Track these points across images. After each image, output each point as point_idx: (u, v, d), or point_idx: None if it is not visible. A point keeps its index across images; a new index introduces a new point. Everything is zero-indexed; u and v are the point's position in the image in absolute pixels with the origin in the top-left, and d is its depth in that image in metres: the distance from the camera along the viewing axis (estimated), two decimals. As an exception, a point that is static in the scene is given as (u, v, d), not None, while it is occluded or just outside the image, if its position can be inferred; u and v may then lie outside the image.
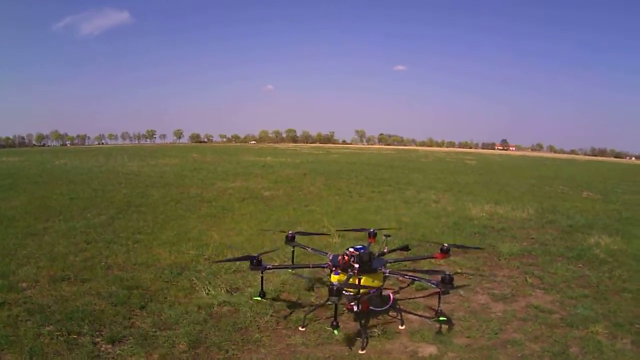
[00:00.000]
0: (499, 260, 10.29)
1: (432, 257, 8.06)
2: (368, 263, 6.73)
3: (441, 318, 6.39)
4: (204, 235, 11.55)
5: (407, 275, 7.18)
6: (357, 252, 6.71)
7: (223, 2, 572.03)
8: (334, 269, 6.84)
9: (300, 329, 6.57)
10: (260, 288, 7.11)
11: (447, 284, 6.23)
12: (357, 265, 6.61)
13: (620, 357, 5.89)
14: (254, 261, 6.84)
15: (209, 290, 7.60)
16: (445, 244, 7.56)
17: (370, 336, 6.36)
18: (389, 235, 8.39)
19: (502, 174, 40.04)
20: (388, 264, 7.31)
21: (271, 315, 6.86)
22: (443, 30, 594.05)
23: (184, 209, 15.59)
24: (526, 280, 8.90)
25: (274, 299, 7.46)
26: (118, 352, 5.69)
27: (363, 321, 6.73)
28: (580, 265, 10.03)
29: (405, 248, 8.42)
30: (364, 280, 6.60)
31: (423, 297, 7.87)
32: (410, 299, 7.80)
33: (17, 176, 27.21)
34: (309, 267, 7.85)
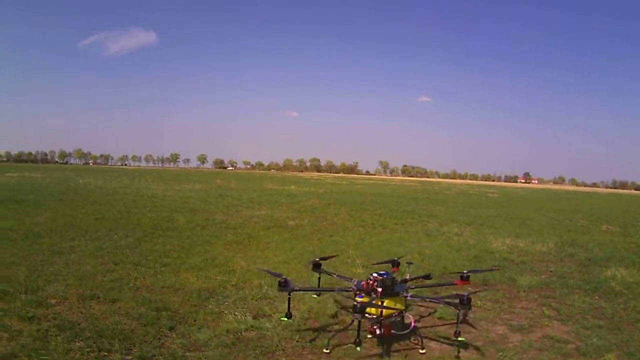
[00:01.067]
0: (518, 292, 10.44)
1: (452, 284, 8.27)
2: (391, 287, 7.03)
3: (459, 338, 6.71)
4: (230, 262, 11.77)
5: (427, 299, 7.47)
6: (381, 277, 7.01)
7: (244, 30, 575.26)
8: (358, 292, 7.12)
9: (324, 351, 6.81)
10: (287, 309, 7.29)
11: (464, 305, 6.51)
12: (380, 289, 6.89)
13: None
14: (282, 282, 7.07)
15: (236, 315, 7.80)
16: (465, 271, 7.78)
17: (393, 361, 6.58)
18: (411, 263, 8.74)
19: (523, 208, 39.94)
20: (409, 290, 7.55)
21: (297, 341, 7.06)
22: (466, 62, 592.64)
23: (209, 235, 15.85)
24: (543, 312, 9.06)
25: (299, 325, 7.65)
26: (148, 370, 5.85)
27: (385, 346, 6.94)
28: (597, 297, 10.21)
29: (427, 277, 8.62)
30: (386, 304, 6.81)
31: (442, 325, 8.08)
32: (430, 327, 8.01)
33: (40, 193, 27.87)
34: (334, 291, 8.06)
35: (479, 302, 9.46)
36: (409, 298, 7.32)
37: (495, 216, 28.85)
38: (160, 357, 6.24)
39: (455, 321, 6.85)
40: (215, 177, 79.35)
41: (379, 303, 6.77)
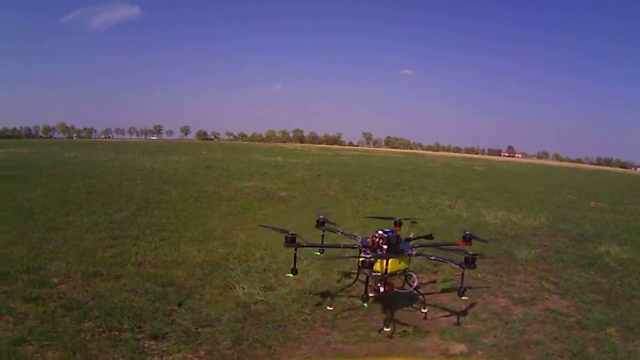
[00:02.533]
0: (516, 265, 10.63)
1: (455, 245, 8.31)
2: (395, 245, 7.05)
3: (463, 297, 6.90)
4: (229, 234, 11.79)
5: (432, 257, 7.50)
6: (386, 235, 7.06)
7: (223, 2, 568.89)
8: (363, 249, 7.15)
9: (328, 308, 7.12)
10: (293, 265, 7.39)
11: (470, 263, 6.65)
12: (385, 247, 6.95)
13: (633, 357, 6.32)
14: (289, 238, 7.08)
15: (244, 289, 7.84)
16: (467, 232, 7.73)
17: (404, 334, 6.72)
18: (415, 222, 8.75)
19: (510, 181, 40.24)
20: (414, 249, 7.59)
21: (308, 314, 7.13)
22: (450, 35, 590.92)
23: (204, 208, 15.84)
24: (542, 285, 9.26)
25: (306, 298, 7.72)
26: (163, 348, 5.88)
27: (388, 304, 7.11)
28: (592, 272, 10.42)
29: (429, 237, 8.52)
30: (391, 261, 6.86)
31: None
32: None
33: (29, 168, 27.42)
34: (340, 247, 7.99)
35: (479, 275, 9.63)
36: (413, 256, 7.37)
37: (484, 189, 29.20)
38: (173, 334, 6.23)
39: (461, 280, 6.96)
40: (200, 148, 79.03)
41: (384, 262, 6.82)
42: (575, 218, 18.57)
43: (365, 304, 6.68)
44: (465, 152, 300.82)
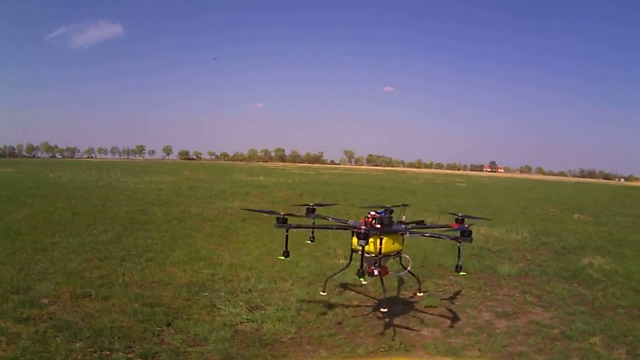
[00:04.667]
0: (499, 280, 10.77)
1: (448, 227, 8.05)
2: (389, 225, 7.00)
3: (462, 273, 6.84)
4: (214, 255, 11.84)
5: (426, 234, 7.38)
6: (379, 215, 7.01)
7: (213, 22, 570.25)
8: (355, 230, 6.93)
9: (321, 293, 7.46)
10: (284, 247, 7.37)
11: (466, 237, 6.48)
12: (378, 226, 6.87)
13: None
14: (280, 219, 7.16)
15: (230, 309, 7.92)
16: (460, 214, 7.72)
17: (389, 348, 6.84)
18: (406, 205, 8.59)
19: (493, 197, 40.54)
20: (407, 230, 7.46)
21: (295, 332, 7.21)
22: (431, 52, 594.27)
23: (188, 228, 15.87)
24: (526, 299, 9.38)
25: (293, 317, 7.79)
26: (154, 368, 5.91)
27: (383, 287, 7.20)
28: (576, 284, 10.55)
29: (421, 222, 8.37)
30: (385, 241, 6.81)
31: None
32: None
33: (13, 188, 27.44)
34: (332, 229, 8.02)
35: (462, 291, 9.75)
36: (407, 235, 7.23)
37: (466, 205, 29.32)
38: (163, 354, 6.30)
39: (457, 256, 6.76)
40: (183, 168, 78.89)
41: (378, 241, 6.77)
42: (557, 231, 18.77)
43: (362, 279, 6.76)
44: (448, 169, 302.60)
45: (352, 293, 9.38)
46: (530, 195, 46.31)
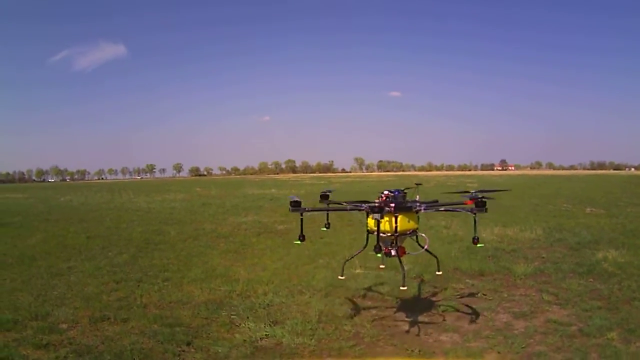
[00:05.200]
0: (515, 280, 10.73)
1: (463, 204, 8.22)
2: (403, 204, 7.03)
3: (479, 245, 6.95)
4: (230, 271, 11.86)
5: (441, 208, 7.40)
6: (393, 194, 7.12)
7: (215, 35, 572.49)
8: (370, 207, 6.92)
9: (339, 277, 7.59)
10: (300, 231, 7.53)
11: (480, 207, 6.51)
12: (393, 205, 6.86)
13: (635, 359, 6.48)
14: (294, 202, 7.33)
15: (249, 325, 7.94)
16: (473, 191, 7.46)
17: (411, 353, 6.89)
18: (420, 184, 8.56)
19: (504, 195, 40.32)
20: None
21: (315, 346, 7.23)
22: (436, 54, 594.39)
23: (203, 246, 15.95)
24: (542, 298, 9.37)
25: (312, 331, 7.79)
26: (178, 387, 5.93)
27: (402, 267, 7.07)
28: (591, 279, 10.52)
29: (435, 202, 8.11)
30: (400, 219, 6.80)
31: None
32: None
33: (25, 214, 27.80)
34: (347, 210, 7.99)
35: (479, 293, 9.76)
36: (422, 210, 7.12)
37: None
38: (185, 373, 6.29)
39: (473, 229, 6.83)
40: (194, 185, 79.13)
41: (393, 220, 6.76)
42: (571, 227, 18.70)
43: (379, 255, 6.79)
44: (458, 170, 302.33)
45: (369, 302, 9.40)
46: (541, 192, 45.98)
